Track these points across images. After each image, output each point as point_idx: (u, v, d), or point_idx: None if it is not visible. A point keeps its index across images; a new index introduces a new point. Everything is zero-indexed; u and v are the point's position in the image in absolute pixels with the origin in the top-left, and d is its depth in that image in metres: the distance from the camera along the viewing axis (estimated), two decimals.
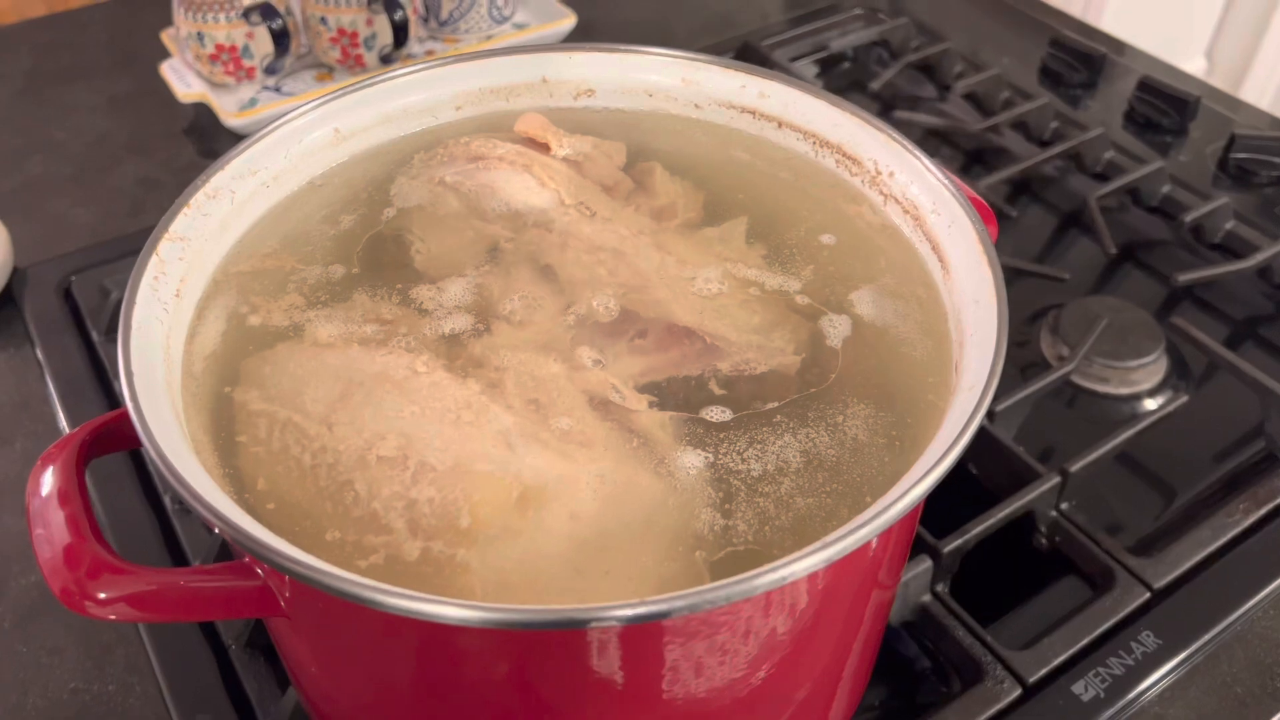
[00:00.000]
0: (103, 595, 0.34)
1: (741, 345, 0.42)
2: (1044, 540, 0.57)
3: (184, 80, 0.87)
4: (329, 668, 0.39)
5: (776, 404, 0.40)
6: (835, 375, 0.41)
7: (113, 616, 0.34)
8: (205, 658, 0.51)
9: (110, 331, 0.68)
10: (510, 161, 0.48)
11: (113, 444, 0.39)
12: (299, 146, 0.48)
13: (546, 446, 0.38)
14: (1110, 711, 0.49)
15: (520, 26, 0.97)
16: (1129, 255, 0.76)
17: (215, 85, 0.88)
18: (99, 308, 0.70)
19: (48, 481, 0.36)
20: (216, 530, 0.32)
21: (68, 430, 0.63)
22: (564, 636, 0.32)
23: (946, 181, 0.43)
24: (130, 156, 0.86)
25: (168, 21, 0.93)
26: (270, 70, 0.88)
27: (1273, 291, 0.73)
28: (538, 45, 0.52)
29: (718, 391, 0.41)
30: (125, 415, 0.37)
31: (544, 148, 0.50)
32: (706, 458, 0.38)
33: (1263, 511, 0.57)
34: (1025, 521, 0.57)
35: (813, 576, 0.33)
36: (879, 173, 0.47)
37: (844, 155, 0.49)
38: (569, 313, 0.43)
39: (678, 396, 0.40)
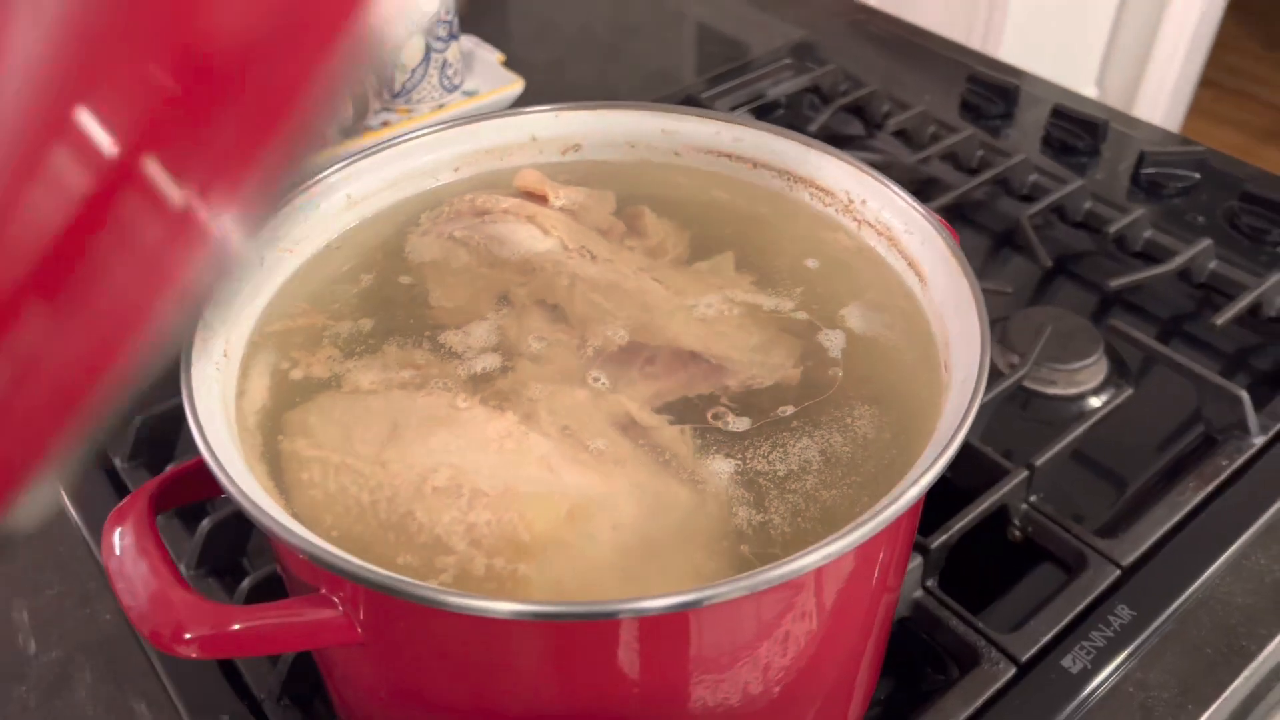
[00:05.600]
0: (189, 635, 0.36)
1: (745, 364, 0.46)
2: (1018, 531, 0.61)
3: None
4: (399, 693, 0.41)
5: (791, 409, 0.44)
6: (838, 383, 0.45)
7: (195, 654, 0.36)
8: (237, 713, 0.52)
9: None
10: (514, 213, 0.52)
11: (176, 498, 0.41)
12: (316, 213, 0.51)
13: (585, 466, 0.41)
14: (1098, 680, 0.52)
15: (470, 94, 1.01)
16: (1061, 268, 0.83)
17: None
18: None
19: (122, 538, 0.38)
20: (304, 557, 0.35)
21: None
22: (621, 626, 0.35)
23: (915, 204, 0.48)
24: None
25: None
26: None
27: (1193, 291, 0.79)
28: (525, 109, 0.56)
29: (730, 407, 0.44)
30: (189, 469, 0.40)
31: (542, 199, 0.54)
32: (735, 463, 0.41)
33: (1209, 488, 0.62)
34: (1000, 515, 0.61)
35: (844, 557, 0.36)
36: (851, 201, 0.52)
37: (817, 188, 0.53)
38: (584, 346, 0.47)
39: (693, 415, 0.44)
